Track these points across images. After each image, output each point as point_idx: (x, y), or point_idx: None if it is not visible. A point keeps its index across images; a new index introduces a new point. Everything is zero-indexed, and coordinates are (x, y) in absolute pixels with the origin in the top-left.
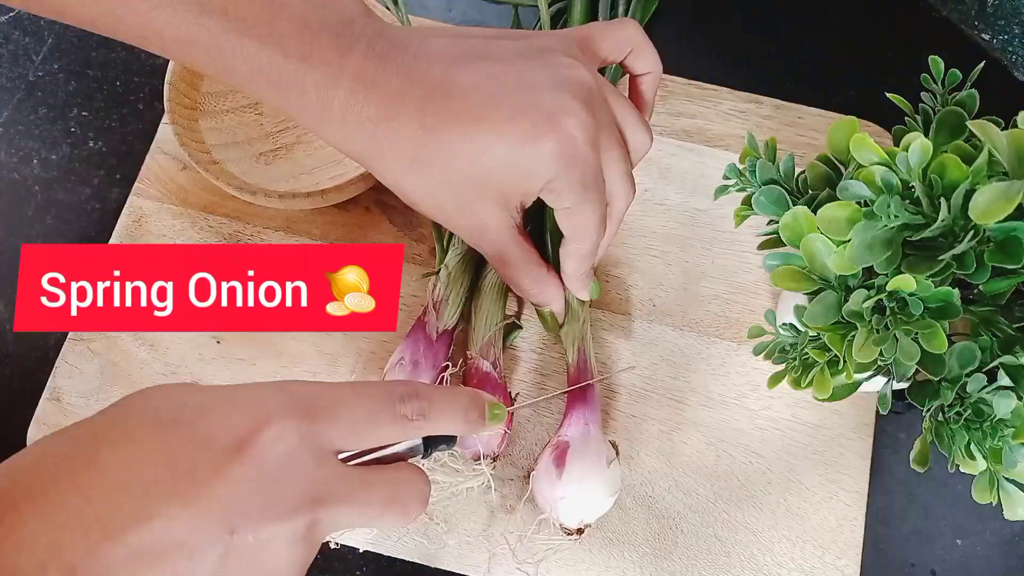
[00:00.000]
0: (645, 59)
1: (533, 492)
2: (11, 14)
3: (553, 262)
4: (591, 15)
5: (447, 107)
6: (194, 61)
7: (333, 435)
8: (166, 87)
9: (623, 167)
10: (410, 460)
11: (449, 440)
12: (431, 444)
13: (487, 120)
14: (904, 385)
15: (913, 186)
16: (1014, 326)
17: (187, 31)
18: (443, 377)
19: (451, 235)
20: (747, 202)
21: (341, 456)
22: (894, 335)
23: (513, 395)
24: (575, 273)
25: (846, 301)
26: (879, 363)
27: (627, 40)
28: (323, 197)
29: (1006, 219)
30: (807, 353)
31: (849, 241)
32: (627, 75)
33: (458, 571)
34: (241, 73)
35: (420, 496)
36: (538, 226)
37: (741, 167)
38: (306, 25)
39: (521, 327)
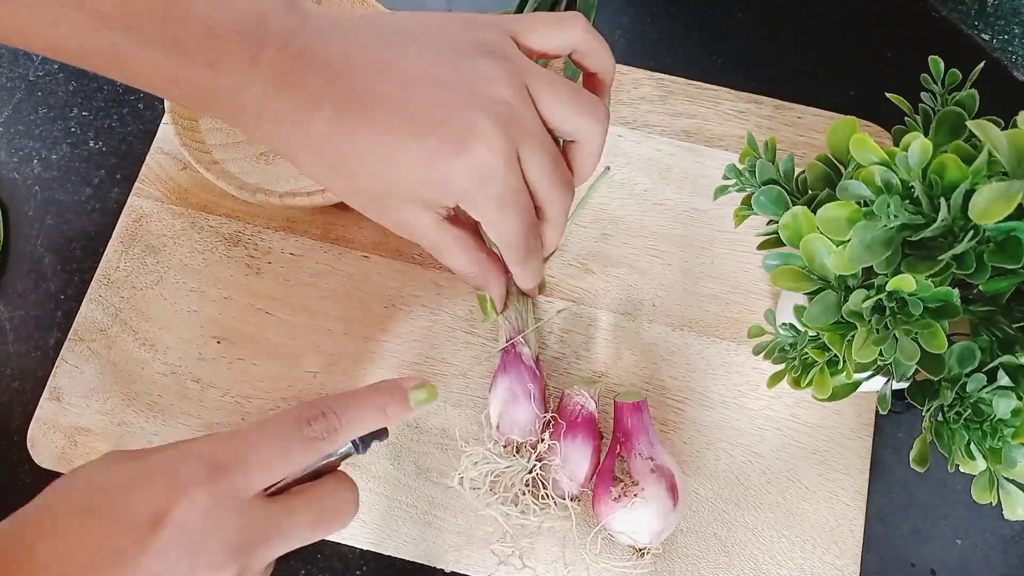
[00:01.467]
0: (595, 59)
1: (630, 521)
2: None
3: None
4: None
5: (362, 115)
6: (106, 73)
7: (246, 482)
8: None
9: (552, 176)
10: (350, 457)
11: (380, 433)
12: (363, 442)
13: (397, 132)
14: (904, 385)
15: (913, 186)
16: (1014, 326)
17: (92, 45)
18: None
19: None
20: (747, 202)
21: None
22: (894, 335)
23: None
24: (518, 274)
25: (846, 301)
26: (879, 363)
27: (571, 40)
28: (323, 196)
29: (1006, 219)
30: (807, 353)
31: (849, 241)
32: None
33: (458, 571)
34: (154, 83)
35: (348, 502)
36: None
37: (741, 167)
38: (213, 30)
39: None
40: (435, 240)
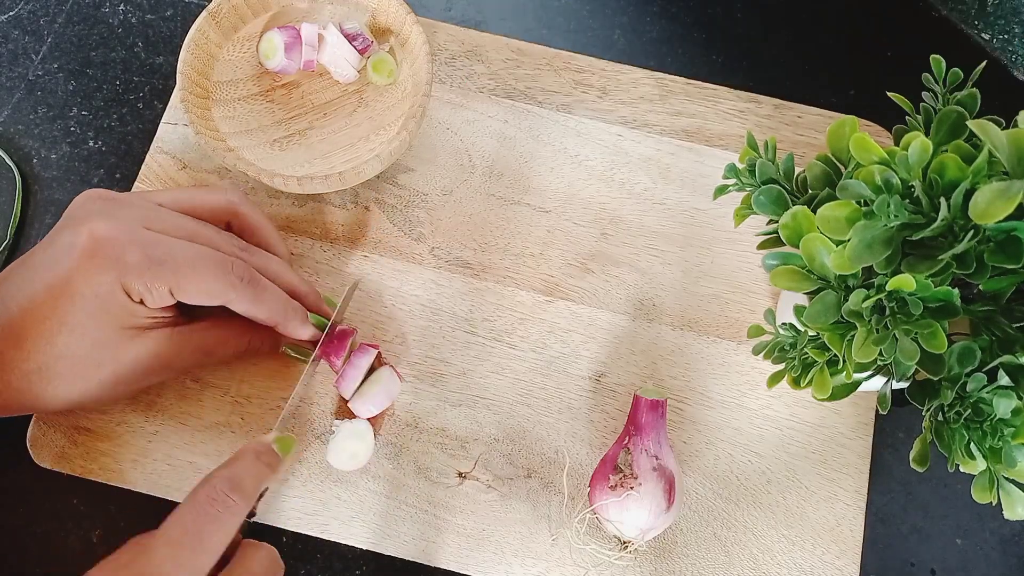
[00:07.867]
0: (254, 234)
1: (620, 511)
2: (11, 13)
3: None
4: None
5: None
6: None
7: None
8: (179, 77)
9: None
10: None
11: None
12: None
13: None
14: (904, 385)
15: (913, 186)
16: (1014, 326)
17: None
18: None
19: None
20: (747, 202)
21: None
22: (893, 335)
23: None
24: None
25: (845, 301)
26: (879, 363)
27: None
28: (340, 179)
29: (1006, 219)
30: (806, 353)
31: (848, 241)
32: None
33: (458, 570)
34: None
35: (271, 558)
36: None
37: (740, 166)
38: None
39: None
40: (181, 350)
